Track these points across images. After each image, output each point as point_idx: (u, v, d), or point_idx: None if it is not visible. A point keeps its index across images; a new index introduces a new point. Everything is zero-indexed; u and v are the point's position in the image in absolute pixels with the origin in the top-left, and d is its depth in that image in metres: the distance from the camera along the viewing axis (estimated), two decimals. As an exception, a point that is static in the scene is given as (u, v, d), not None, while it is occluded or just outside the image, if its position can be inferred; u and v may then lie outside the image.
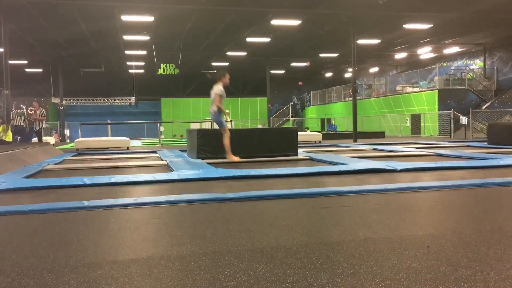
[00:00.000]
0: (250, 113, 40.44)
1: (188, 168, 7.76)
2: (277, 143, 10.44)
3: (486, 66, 27.76)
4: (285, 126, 37.47)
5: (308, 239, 3.07)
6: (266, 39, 24.01)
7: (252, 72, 37.46)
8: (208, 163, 8.72)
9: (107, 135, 23.56)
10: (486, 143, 14.20)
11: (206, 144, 10.00)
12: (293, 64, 34.19)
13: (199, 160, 9.42)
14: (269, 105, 34.57)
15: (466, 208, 4.27)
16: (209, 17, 19.62)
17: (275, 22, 19.61)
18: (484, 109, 24.18)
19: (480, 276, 2.26)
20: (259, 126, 34.11)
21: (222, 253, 2.75)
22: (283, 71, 37.99)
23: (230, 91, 40.75)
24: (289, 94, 43.82)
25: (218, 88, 8.82)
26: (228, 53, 28.35)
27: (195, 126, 25.67)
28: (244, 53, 28.62)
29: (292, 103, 43.61)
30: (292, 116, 41.69)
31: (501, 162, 7.79)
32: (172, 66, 27.94)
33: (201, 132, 10.23)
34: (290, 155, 10.27)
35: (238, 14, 19.09)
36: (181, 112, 38.59)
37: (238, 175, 6.63)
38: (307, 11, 18.55)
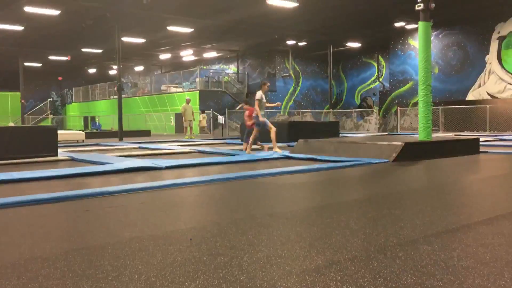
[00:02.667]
0: (-1, 110, 35.42)
1: None
2: (33, 143, 9.40)
3: (239, 71, 30.92)
4: (43, 124, 34.13)
5: (69, 246, 2.87)
6: (19, 27, 21.39)
7: (1, 63, 32.87)
8: None
9: None
10: (240, 140, 15.82)
11: None
12: (51, 57, 31.33)
13: None
14: (22, 100, 30.89)
15: (223, 200, 4.67)
16: None
17: (29, 9, 17.64)
18: (237, 109, 26.90)
19: (236, 261, 2.50)
20: (11, 124, 30.20)
21: (-39, 274, 2.32)
22: (39, 64, 34.48)
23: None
24: (47, 90, 40.08)
25: (258, 94, 9.93)
26: (-32, 39, 24.19)
27: None
28: (-11, 40, 24.86)
29: (51, 99, 40.09)
30: (51, 113, 38.31)
31: (251, 157, 8.80)
32: None
33: None
34: (49, 155, 9.41)
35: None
36: None
37: (-17, 180, 5.73)
38: (67, 1, 17.30)
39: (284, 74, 29.15)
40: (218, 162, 8.14)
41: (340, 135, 16.89)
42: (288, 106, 29.24)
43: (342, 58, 30.10)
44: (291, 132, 14.59)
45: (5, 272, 2.34)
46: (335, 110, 28.46)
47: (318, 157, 8.49)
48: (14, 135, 9.35)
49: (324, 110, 29.11)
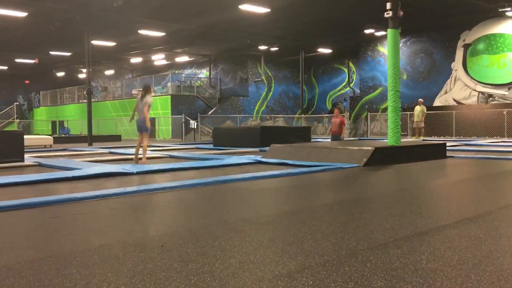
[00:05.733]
0: (-39, 114, 34.22)
1: None
2: (-3, 148, 9.13)
3: (211, 76, 30.84)
4: (8, 129, 33.24)
5: (36, 254, 2.79)
6: (-18, 28, 20.77)
7: (-36, 65, 31.82)
8: None
9: None
10: (212, 145, 15.76)
11: None
12: (18, 60, 30.49)
13: None
14: (-13, 104, 29.97)
15: (196, 205, 4.64)
16: None
17: (-6, 10, 17.13)
18: (210, 114, 26.79)
19: (207, 267, 2.48)
20: (-26, 128, 29.26)
21: None
22: (5, 67, 33.53)
23: None
24: (13, 93, 38.98)
25: (150, 99, 9.21)
26: None
27: None
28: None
29: (18, 103, 39.01)
30: (17, 118, 37.30)
31: (224, 162, 8.78)
32: None
33: None
34: (15, 161, 9.14)
35: None
36: None
37: None
38: (34, 2, 16.89)
39: (256, 79, 29.23)
40: (190, 167, 8.07)
41: (312, 140, 17.04)
42: (261, 111, 29.33)
43: (313, 63, 30.41)
44: (263, 137, 14.62)
45: (-33, 283, 2.26)
46: (307, 115, 28.71)
47: (290, 162, 8.54)
48: (-22, 140, 9.06)
49: (296, 115, 29.32)
